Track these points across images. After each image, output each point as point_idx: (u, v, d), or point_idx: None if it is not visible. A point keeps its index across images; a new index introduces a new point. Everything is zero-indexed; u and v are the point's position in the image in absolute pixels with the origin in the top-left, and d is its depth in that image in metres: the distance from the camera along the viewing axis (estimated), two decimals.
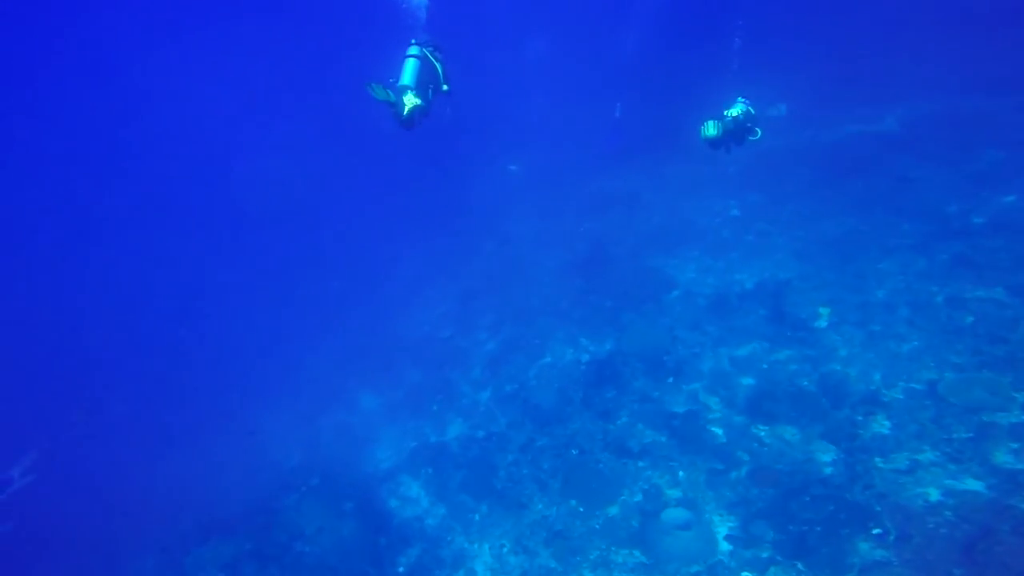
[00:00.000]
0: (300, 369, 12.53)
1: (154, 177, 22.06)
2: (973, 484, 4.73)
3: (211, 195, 21.92)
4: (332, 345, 12.84)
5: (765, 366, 6.90)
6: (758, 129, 7.08)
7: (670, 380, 7.38)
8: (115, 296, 18.14)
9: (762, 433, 6.12)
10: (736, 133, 6.80)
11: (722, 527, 5.47)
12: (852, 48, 13.96)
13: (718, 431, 6.38)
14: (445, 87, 5.76)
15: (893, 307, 6.75)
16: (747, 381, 6.84)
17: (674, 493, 5.97)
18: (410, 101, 5.22)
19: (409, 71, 5.45)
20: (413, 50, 5.57)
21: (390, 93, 4.99)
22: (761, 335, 7.43)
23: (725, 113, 6.69)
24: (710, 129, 6.43)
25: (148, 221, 21.19)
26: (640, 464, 6.42)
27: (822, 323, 7.04)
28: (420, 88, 5.43)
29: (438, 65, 5.69)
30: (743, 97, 7.17)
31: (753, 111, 7.12)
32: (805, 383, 6.38)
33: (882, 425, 5.54)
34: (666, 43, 18.98)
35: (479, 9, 21.30)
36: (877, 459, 5.27)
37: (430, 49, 5.70)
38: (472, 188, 16.97)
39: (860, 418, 5.69)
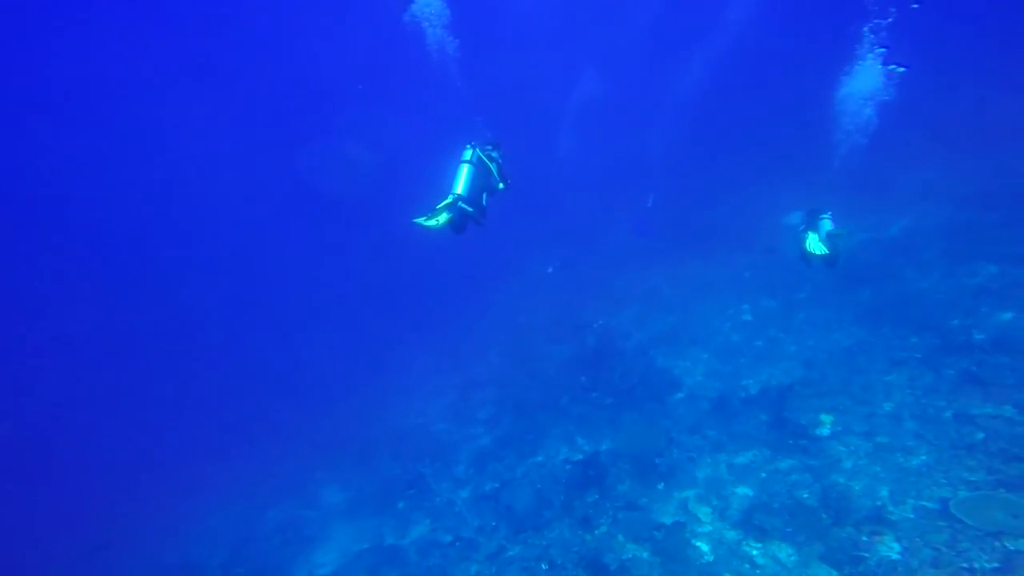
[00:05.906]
0: (264, 455, 12.05)
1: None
2: None
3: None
4: (310, 433, 12.46)
5: (764, 475, 6.29)
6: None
7: (660, 486, 6.78)
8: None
9: (754, 552, 5.39)
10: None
11: None
12: (855, 159, 14.34)
13: (704, 547, 5.67)
14: (501, 186, 5.52)
15: (900, 419, 6.19)
16: (743, 491, 6.20)
17: None
18: (440, 219, 4.89)
19: (461, 180, 5.12)
20: (466, 154, 5.26)
21: (438, 220, 4.80)
22: (763, 442, 6.88)
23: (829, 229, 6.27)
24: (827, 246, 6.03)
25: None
26: None
27: (824, 431, 6.48)
28: (474, 195, 5.12)
29: (492, 166, 5.41)
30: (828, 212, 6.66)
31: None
32: (805, 495, 5.73)
33: (891, 548, 4.80)
34: (712, 137, 19.25)
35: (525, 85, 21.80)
36: None
37: (488, 148, 5.46)
38: (499, 287, 17.23)
39: (865, 538, 4.96)
